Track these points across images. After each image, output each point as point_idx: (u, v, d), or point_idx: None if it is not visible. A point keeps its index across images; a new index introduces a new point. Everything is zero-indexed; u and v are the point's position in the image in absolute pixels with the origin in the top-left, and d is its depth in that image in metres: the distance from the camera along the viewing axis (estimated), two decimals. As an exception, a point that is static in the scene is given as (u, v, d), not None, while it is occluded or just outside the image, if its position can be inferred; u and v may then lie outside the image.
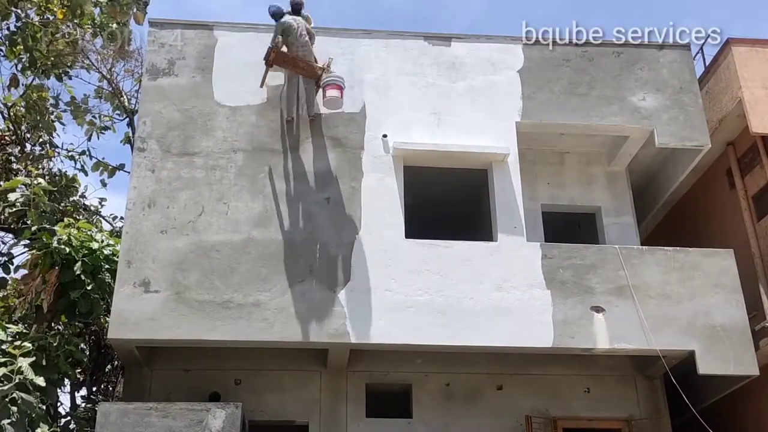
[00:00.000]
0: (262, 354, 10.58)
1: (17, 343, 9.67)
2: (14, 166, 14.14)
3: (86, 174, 15.59)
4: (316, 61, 10.76)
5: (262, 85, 10.79)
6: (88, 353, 13.25)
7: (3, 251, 13.92)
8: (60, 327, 12.29)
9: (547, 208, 12.03)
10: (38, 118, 15.04)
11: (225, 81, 11.18)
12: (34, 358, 9.55)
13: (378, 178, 10.80)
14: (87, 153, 15.80)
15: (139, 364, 10.52)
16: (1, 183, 13.18)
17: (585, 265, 10.53)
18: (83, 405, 13.46)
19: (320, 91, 10.77)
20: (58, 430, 11.11)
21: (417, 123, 11.22)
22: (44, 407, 9.66)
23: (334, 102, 10.56)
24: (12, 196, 11.81)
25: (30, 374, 9.32)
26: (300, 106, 11.02)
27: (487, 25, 36.87)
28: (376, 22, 35.50)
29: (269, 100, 11.07)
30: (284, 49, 10.67)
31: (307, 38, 10.71)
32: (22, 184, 12.13)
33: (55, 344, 10.16)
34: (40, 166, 14.69)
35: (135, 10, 13.50)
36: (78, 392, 14.06)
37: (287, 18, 10.76)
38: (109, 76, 16.54)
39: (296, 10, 11.39)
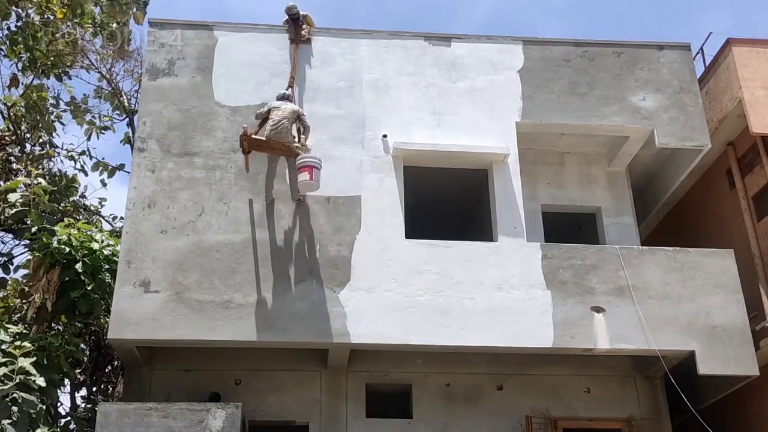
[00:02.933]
0: (262, 354, 10.59)
1: (18, 343, 9.67)
2: (14, 166, 14.12)
3: (86, 174, 15.59)
4: (297, 140, 10.28)
5: (247, 170, 10.31)
6: (88, 353, 13.26)
7: (3, 251, 13.93)
8: (60, 327, 12.29)
9: (547, 208, 12.03)
10: (38, 118, 15.03)
11: (225, 81, 11.18)
12: (34, 359, 9.56)
13: (378, 178, 10.80)
14: (87, 153, 15.81)
15: (139, 365, 10.52)
16: (1, 183, 13.18)
17: (585, 265, 10.53)
18: (83, 405, 13.46)
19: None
20: (58, 430, 11.11)
21: (417, 123, 11.22)
22: (44, 407, 9.65)
23: (306, 185, 9.92)
24: (12, 197, 11.81)
25: (32, 374, 9.32)
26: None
27: (496, 25, 36.76)
28: (381, 22, 35.58)
29: (270, 99, 11.07)
30: (269, 124, 10.16)
31: (285, 122, 10.11)
32: (23, 184, 12.14)
33: (55, 344, 10.16)
34: (40, 166, 14.67)
35: (135, 9, 13.51)
36: (78, 392, 14.09)
37: (275, 102, 10.46)
38: (108, 76, 16.52)
39: (293, 18, 11.47)
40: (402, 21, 34.96)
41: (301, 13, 11.57)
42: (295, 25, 11.55)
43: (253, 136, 10.18)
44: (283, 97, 10.61)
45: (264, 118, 10.36)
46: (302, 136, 10.42)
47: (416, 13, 34.45)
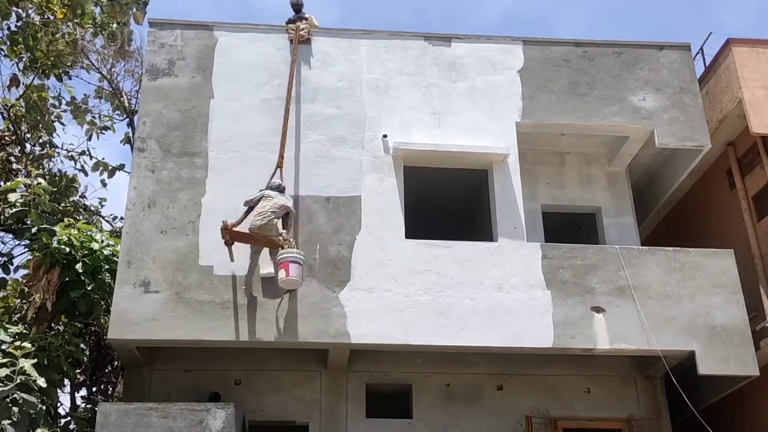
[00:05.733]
0: (262, 354, 10.58)
1: (18, 343, 9.67)
2: (14, 166, 14.12)
3: (86, 174, 15.60)
4: (285, 228, 9.88)
5: (232, 260, 9.72)
6: (88, 353, 13.26)
7: (3, 251, 13.94)
8: (60, 327, 12.29)
9: (547, 208, 12.04)
10: (38, 118, 15.04)
11: (225, 81, 11.18)
12: (35, 360, 9.56)
13: (378, 178, 10.79)
14: (87, 153, 15.81)
15: (139, 365, 10.52)
16: (1, 183, 13.18)
17: (585, 265, 10.53)
18: (83, 405, 13.47)
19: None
20: (58, 430, 11.11)
21: (417, 123, 11.22)
22: (44, 408, 9.65)
23: (286, 283, 9.55)
24: (12, 197, 11.81)
25: (33, 374, 9.33)
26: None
27: (512, 22, 36.61)
28: (390, 19, 35.49)
29: (270, 99, 11.08)
30: (255, 214, 9.75)
31: (272, 216, 9.70)
32: (23, 185, 12.14)
33: (55, 344, 10.16)
34: (40, 166, 14.68)
35: (135, 10, 13.52)
36: (78, 392, 14.10)
37: (267, 191, 9.97)
38: (109, 76, 16.53)
39: (297, 9, 11.49)
40: (412, 17, 34.85)
41: (305, 15, 11.58)
42: (297, 16, 11.50)
43: (234, 229, 9.70)
44: (276, 188, 10.06)
45: (251, 206, 9.87)
46: (287, 228, 9.96)
47: (427, 10, 34.35)
